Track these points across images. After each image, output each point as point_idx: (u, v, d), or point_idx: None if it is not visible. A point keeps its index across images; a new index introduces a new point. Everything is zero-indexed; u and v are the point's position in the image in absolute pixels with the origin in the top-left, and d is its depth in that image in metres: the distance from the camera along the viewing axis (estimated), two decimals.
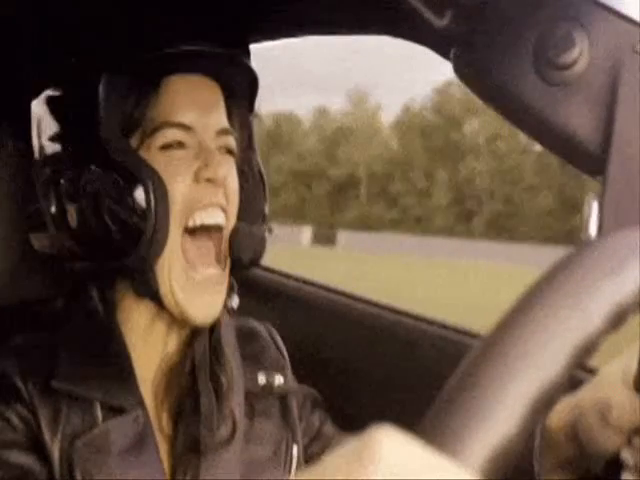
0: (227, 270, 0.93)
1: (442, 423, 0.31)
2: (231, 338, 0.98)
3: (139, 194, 0.86)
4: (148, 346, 0.93)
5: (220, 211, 0.91)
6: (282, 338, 1.05)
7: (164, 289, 0.89)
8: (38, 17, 0.99)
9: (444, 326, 1.24)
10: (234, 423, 0.92)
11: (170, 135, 0.89)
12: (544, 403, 0.33)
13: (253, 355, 1.01)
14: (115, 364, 0.91)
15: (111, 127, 0.88)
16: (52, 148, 0.93)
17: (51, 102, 0.94)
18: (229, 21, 0.97)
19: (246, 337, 1.02)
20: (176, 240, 0.88)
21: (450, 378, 0.33)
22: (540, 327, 0.34)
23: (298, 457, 0.98)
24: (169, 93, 0.90)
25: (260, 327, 1.05)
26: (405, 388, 1.21)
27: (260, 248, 0.94)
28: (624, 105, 0.72)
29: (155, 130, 0.89)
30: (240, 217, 0.94)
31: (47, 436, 0.85)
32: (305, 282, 1.41)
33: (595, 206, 0.73)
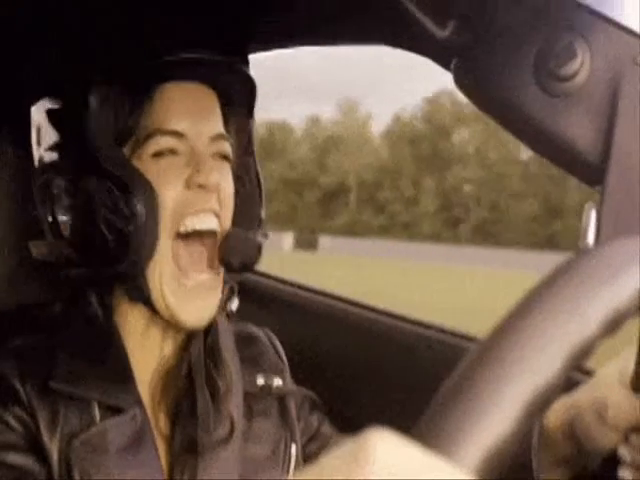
0: (221, 274, 0.91)
1: (438, 424, 0.31)
2: (229, 341, 0.97)
3: (129, 201, 0.85)
4: (145, 349, 0.93)
5: (213, 216, 0.90)
6: (281, 343, 1.04)
7: (155, 294, 0.88)
8: (37, 22, 0.97)
9: (441, 330, 1.23)
10: (232, 423, 0.92)
11: (162, 143, 0.88)
12: (539, 405, 0.32)
13: (252, 358, 1.00)
14: (113, 365, 0.90)
15: (103, 136, 0.88)
16: (50, 156, 0.92)
17: (48, 110, 0.93)
18: (227, 29, 0.96)
19: (245, 341, 1.01)
20: (167, 246, 0.88)
21: (446, 380, 0.33)
22: (537, 331, 0.34)
23: (297, 456, 0.97)
24: (162, 101, 0.89)
25: (259, 332, 1.05)
26: (402, 391, 1.21)
27: (253, 253, 0.93)
28: (624, 116, 0.71)
29: (148, 138, 0.88)
30: (236, 222, 0.93)
31: (46, 437, 0.84)
32: (303, 288, 1.40)
33: (593, 215, 0.72)
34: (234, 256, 0.90)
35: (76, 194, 0.89)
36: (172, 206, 0.87)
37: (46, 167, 0.92)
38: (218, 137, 0.91)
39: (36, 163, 0.94)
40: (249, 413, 0.96)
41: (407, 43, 0.88)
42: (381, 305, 1.36)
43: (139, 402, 0.89)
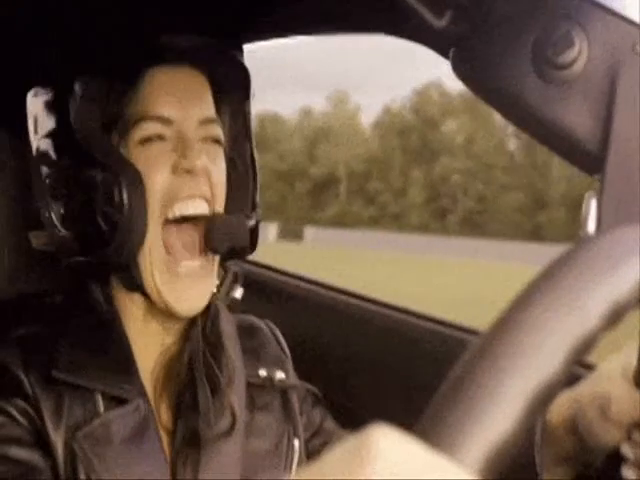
0: (215, 261, 0.90)
1: (439, 422, 0.30)
2: (232, 331, 0.96)
3: (116, 189, 0.84)
4: (146, 339, 0.91)
5: (202, 201, 0.87)
6: (282, 335, 1.02)
7: (148, 282, 0.87)
8: (28, 9, 0.96)
9: (443, 323, 1.22)
10: (233, 416, 0.90)
11: (149, 128, 0.86)
12: (541, 401, 0.32)
13: (254, 350, 0.98)
14: (116, 355, 0.88)
15: (90, 123, 0.86)
16: (45, 145, 0.90)
17: (42, 99, 0.92)
18: (219, 14, 0.94)
19: (247, 333, 0.99)
20: (157, 232, 0.86)
21: (447, 376, 0.32)
22: (537, 325, 0.33)
23: (299, 451, 0.95)
24: (149, 86, 0.87)
25: (261, 324, 1.03)
26: (404, 384, 1.20)
27: (241, 237, 0.91)
28: (622, 104, 0.70)
29: (135, 124, 0.86)
30: (229, 206, 0.91)
31: (50, 429, 0.83)
32: (305, 280, 1.39)
33: (593, 203, 0.71)
34: (219, 241, 0.88)
35: (68, 183, 0.88)
36: (160, 192, 0.85)
37: (41, 156, 0.91)
38: (207, 121, 0.89)
39: (34, 152, 0.92)
40: (251, 406, 0.94)
41: (406, 32, 0.87)
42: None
43: (143, 393, 0.88)
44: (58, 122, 0.89)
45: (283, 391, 0.98)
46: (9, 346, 0.86)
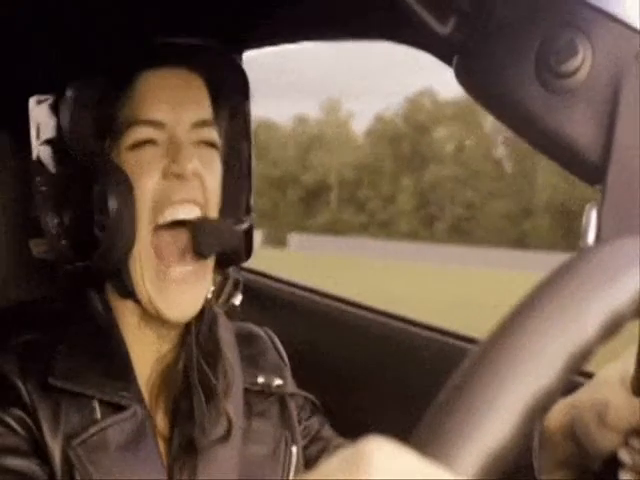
0: (208, 266, 0.88)
1: (436, 431, 0.30)
2: (230, 338, 0.94)
3: (105, 195, 0.82)
4: (142, 345, 0.89)
5: (194, 206, 0.85)
6: (281, 343, 1.00)
7: (139, 288, 0.85)
8: (28, 15, 0.94)
9: (442, 331, 1.20)
10: (230, 423, 0.88)
11: (141, 133, 0.84)
12: (538, 411, 0.31)
13: (252, 357, 0.96)
14: (114, 362, 0.87)
15: (81, 129, 0.85)
16: (45, 152, 0.88)
17: (44, 106, 0.90)
18: (221, 21, 0.92)
19: (245, 340, 0.98)
20: (147, 238, 0.84)
21: (445, 384, 0.32)
22: (535, 336, 0.32)
23: (297, 458, 0.93)
24: (141, 90, 0.85)
25: (260, 331, 1.01)
26: (403, 392, 1.18)
27: (229, 241, 0.89)
28: (625, 113, 0.69)
29: (127, 129, 0.84)
30: (222, 209, 0.89)
31: (48, 437, 0.81)
32: (303, 288, 1.37)
33: (594, 214, 0.69)
34: (206, 245, 0.86)
35: (64, 190, 0.86)
36: (150, 197, 0.83)
37: (40, 163, 0.89)
38: (201, 124, 0.87)
39: (34, 159, 0.90)
40: (249, 412, 0.93)
41: (409, 39, 0.85)
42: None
43: (140, 399, 0.86)
44: (56, 129, 0.87)
45: (281, 398, 0.96)
46: (7, 354, 0.84)
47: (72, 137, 0.84)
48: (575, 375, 0.33)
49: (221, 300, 0.92)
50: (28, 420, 0.81)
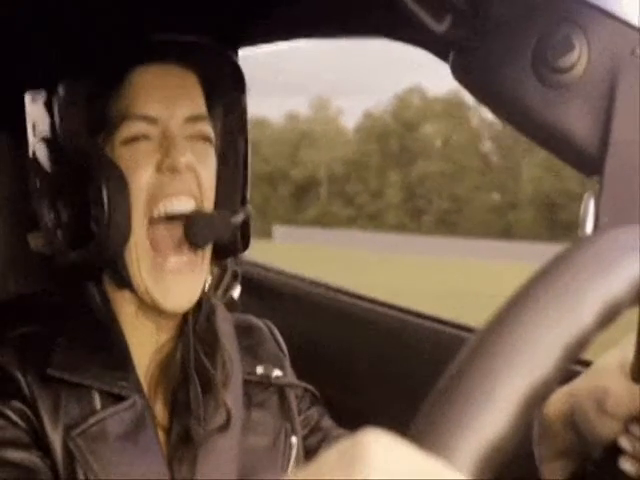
0: (205, 258, 0.87)
1: (433, 422, 0.30)
2: (229, 329, 0.93)
3: (98, 188, 0.82)
4: (141, 336, 0.88)
5: (188, 199, 0.85)
6: (281, 335, 0.99)
7: (135, 279, 0.84)
8: (25, 13, 0.92)
9: (444, 322, 1.19)
10: (228, 413, 0.87)
11: (134, 128, 0.83)
12: (535, 401, 0.31)
13: (251, 348, 0.96)
14: (113, 352, 0.86)
15: (74, 125, 0.84)
16: (40, 148, 0.87)
17: (40, 102, 0.89)
18: (218, 18, 0.91)
19: (244, 331, 0.97)
20: (142, 230, 0.83)
21: (442, 376, 0.31)
22: (532, 326, 0.32)
23: (297, 448, 0.93)
24: (134, 86, 0.84)
25: (259, 323, 1.00)
26: (405, 384, 1.17)
27: (225, 233, 0.88)
28: (622, 107, 0.68)
29: (120, 124, 0.84)
30: (218, 203, 0.88)
31: (48, 428, 0.80)
32: (304, 280, 1.36)
33: (591, 205, 0.69)
34: (200, 236, 0.85)
35: (60, 186, 0.85)
36: (145, 191, 0.83)
37: (35, 159, 0.88)
38: (195, 118, 0.86)
39: (30, 155, 0.89)
40: (248, 403, 0.92)
41: (405, 36, 0.85)
42: None
43: (139, 389, 0.85)
44: (50, 124, 0.86)
45: (280, 389, 0.95)
46: (5, 347, 0.83)
47: (65, 133, 0.84)
48: (573, 363, 0.33)
49: (219, 292, 0.91)
50: (28, 412, 0.80)
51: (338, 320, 1.30)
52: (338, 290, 1.33)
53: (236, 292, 0.92)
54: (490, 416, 0.30)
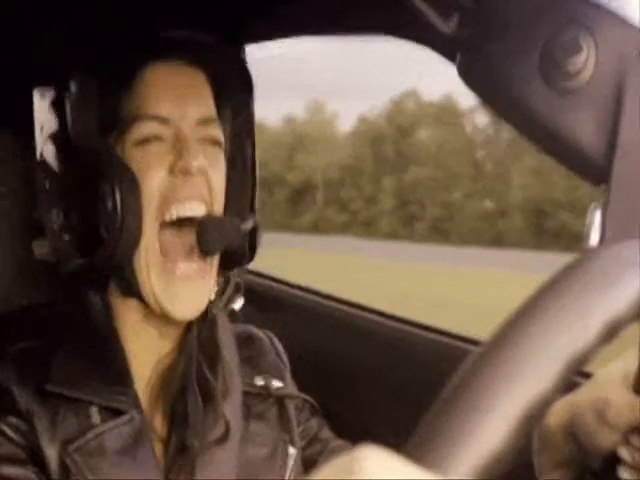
0: (213, 265, 0.84)
1: (432, 437, 0.30)
2: (230, 340, 0.90)
3: (110, 190, 0.79)
4: (142, 347, 0.85)
5: (200, 203, 0.83)
6: (283, 345, 0.97)
7: (144, 285, 0.82)
8: (29, 11, 0.89)
9: (446, 333, 1.17)
10: (227, 424, 0.84)
11: (146, 129, 0.81)
12: (534, 415, 0.31)
13: (251, 359, 0.93)
14: (112, 366, 0.83)
15: (85, 125, 0.82)
16: (48, 150, 0.84)
17: (48, 102, 0.87)
18: (222, 12, 0.89)
19: (245, 342, 0.94)
20: (153, 234, 0.81)
21: (443, 390, 0.31)
22: (533, 341, 0.32)
23: (295, 459, 0.90)
24: (145, 85, 0.82)
25: (260, 333, 0.98)
26: (406, 395, 1.15)
27: (236, 240, 0.85)
28: (629, 112, 0.67)
29: (131, 124, 0.81)
30: (227, 207, 0.85)
31: (45, 443, 0.78)
32: (305, 290, 1.34)
33: (598, 215, 0.67)
34: (212, 242, 0.84)
35: (68, 187, 0.83)
36: (157, 194, 0.81)
37: (43, 161, 0.86)
38: (206, 121, 0.84)
39: (37, 157, 0.86)
40: (247, 414, 0.89)
41: (412, 35, 0.83)
42: None
43: (137, 404, 0.82)
44: (59, 125, 0.83)
45: (280, 400, 0.92)
46: (4, 362, 0.82)
47: (76, 132, 0.81)
48: (574, 375, 0.32)
49: (222, 303, 0.88)
50: (24, 427, 0.78)
51: (339, 330, 1.28)
52: (339, 300, 1.31)
53: (238, 304, 0.89)
54: (489, 429, 0.29)
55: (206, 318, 0.87)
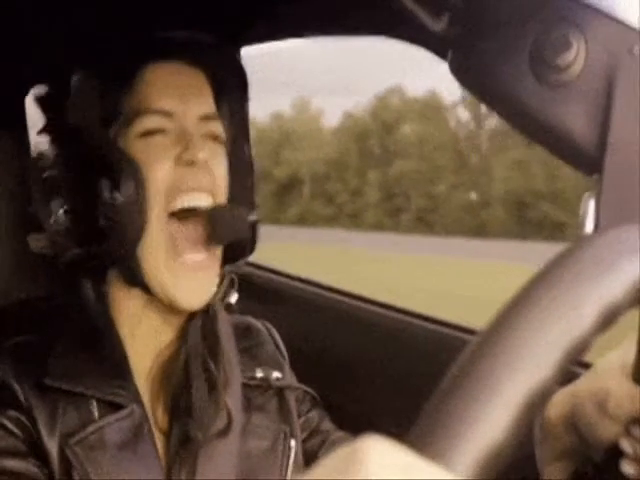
0: (217, 255, 0.84)
1: (433, 427, 0.29)
2: (229, 332, 0.90)
3: (115, 182, 0.78)
4: (142, 338, 0.84)
5: (205, 194, 0.82)
6: (281, 337, 0.96)
7: (150, 275, 0.81)
8: (28, 10, 0.89)
9: (445, 324, 1.17)
10: (229, 417, 0.84)
11: (150, 122, 0.80)
12: (535, 404, 0.30)
13: (250, 350, 0.92)
14: (110, 360, 0.82)
15: (87, 118, 0.80)
16: (44, 144, 0.84)
17: (39, 99, 0.86)
18: (221, 13, 0.88)
19: (243, 333, 0.94)
20: (160, 225, 0.80)
21: (443, 380, 0.31)
22: (531, 328, 0.31)
23: (296, 451, 0.90)
24: (148, 80, 0.81)
25: (258, 324, 0.97)
26: (405, 386, 1.15)
27: (241, 227, 0.85)
28: (620, 106, 0.67)
29: (135, 118, 0.80)
30: (230, 202, 0.85)
31: (45, 437, 0.77)
32: (304, 281, 1.34)
33: (592, 204, 0.67)
34: (223, 231, 0.82)
35: (67, 179, 0.81)
36: (163, 185, 0.80)
37: (40, 155, 0.84)
38: (208, 117, 0.84)
39: (32, 151, 0.85)
40: (248, 407, 0.88)
41: (404, 35, 0.83)
42: None
43: (137, 397, 0.82)
44: (56, 119, 0.83)
45: (280, 392, 0.92)
46: (3, 356, 0.80)
47: (76, 125, 0.80)
48: (574, 365, 0.32)
49: (217, 298, 0.88)
50: (25, 421, 0.77)
51: (338, 322, 1.28)
52: (338, 292, 1.31)
53: (233, 299, 0.89)
54: (490, 419, 0.29)
55: (209, 308, 0.86)
